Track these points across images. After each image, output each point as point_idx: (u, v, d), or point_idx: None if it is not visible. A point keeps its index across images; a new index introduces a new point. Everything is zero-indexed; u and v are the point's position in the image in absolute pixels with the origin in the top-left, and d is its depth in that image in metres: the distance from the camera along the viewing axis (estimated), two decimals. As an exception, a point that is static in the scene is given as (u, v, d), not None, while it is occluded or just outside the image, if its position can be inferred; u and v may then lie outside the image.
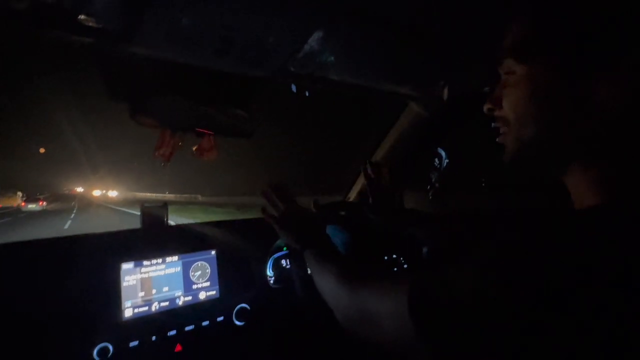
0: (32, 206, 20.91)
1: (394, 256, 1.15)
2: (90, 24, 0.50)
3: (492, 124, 0.45)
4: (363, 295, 0.45)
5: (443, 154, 1.17)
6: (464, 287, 0.32)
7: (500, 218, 1.29)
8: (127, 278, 0.78)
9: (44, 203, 22.75)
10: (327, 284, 0.55)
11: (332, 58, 0.68)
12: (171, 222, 0.96)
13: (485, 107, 0.45)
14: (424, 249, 1.19)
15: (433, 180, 1.24)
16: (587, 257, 0.26)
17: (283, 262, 0.99)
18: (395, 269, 1.14)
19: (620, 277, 0.25)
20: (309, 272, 0.95)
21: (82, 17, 0.49)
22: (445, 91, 0.83)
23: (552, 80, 0.36)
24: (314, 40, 0.62)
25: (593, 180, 0.35)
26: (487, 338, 0.28)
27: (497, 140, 0.45)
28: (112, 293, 0.76)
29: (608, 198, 0.33)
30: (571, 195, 0.38)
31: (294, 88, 0.86)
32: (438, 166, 1.20)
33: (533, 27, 0.38)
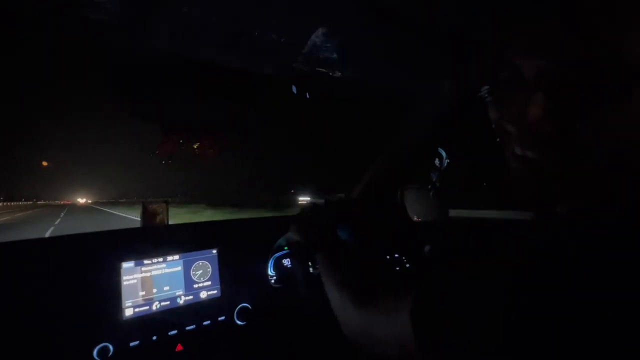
0: None
1: (397, 255, 1.14)
2: (94, 14, 0.49)
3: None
4: (367, 314, 0.46)
5: (444, 153, 1.17)
6: (465, 302, 0.32)
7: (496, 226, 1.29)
8: (127, 277, 0.77)
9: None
10: (334, 296, 0.56)
11: (336, 55, 0.67)
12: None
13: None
14: (426, 248, 1.18)
15: (434, 179, 1.23)
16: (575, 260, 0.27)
17: (284, 261, 0.99)
18: (398, 268, 1.13)
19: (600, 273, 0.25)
20: (311, 271, 0.95)
21: (86, 9, 0.48)
22: (453, 89, 0.83)
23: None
24: (317, 36, 0.61)
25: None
26: (490, 350, 0.28)
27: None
28: (113, 292, 0.75)
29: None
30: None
31: (294, 89, 0.85)
32: (439, 166, 1.19)
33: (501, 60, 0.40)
